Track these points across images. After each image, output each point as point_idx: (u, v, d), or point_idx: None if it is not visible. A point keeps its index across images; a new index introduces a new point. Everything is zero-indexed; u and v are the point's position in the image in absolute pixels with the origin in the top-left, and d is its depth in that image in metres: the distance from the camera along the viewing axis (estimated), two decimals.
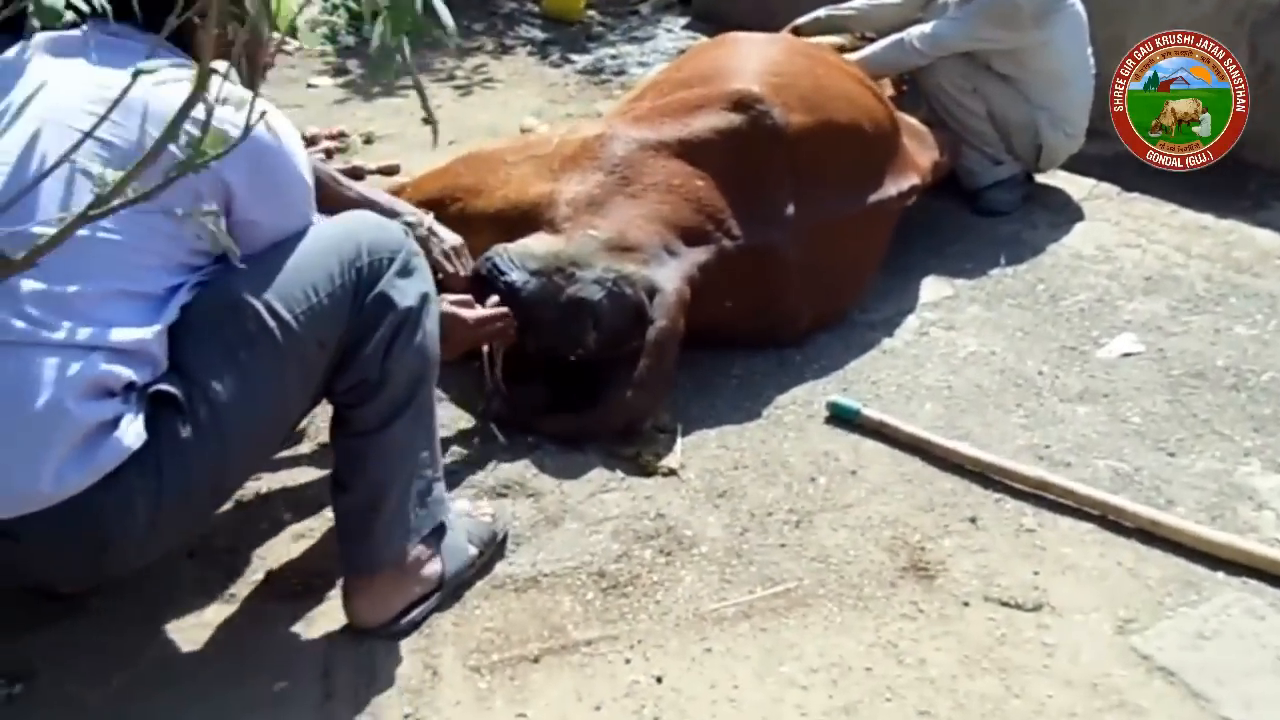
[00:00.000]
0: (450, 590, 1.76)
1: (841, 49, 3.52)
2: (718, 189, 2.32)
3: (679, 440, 2.17)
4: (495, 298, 2.10)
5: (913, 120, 3.07)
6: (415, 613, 1.71)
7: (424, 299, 1.64)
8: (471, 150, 2.70)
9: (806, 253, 2.40)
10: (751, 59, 2.49)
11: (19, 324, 1.31)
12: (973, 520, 1.93)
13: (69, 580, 1.55)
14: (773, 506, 1.98)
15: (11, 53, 1.50)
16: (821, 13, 3.48)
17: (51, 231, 1.22)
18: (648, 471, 2.07)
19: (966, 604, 1.74)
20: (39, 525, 1.32)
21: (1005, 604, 1.74)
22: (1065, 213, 3.27)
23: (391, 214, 2.00)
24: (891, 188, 2.64)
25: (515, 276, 2.10)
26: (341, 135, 4.14)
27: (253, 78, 1.64)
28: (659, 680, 1.59)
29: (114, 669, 1.60)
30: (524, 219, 2.31)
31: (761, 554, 1.86)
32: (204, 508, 1.56)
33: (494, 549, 1.84)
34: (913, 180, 2.74)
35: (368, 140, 4.18)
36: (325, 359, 1.55)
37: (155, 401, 1.39)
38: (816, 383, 2.39)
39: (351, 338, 1.56)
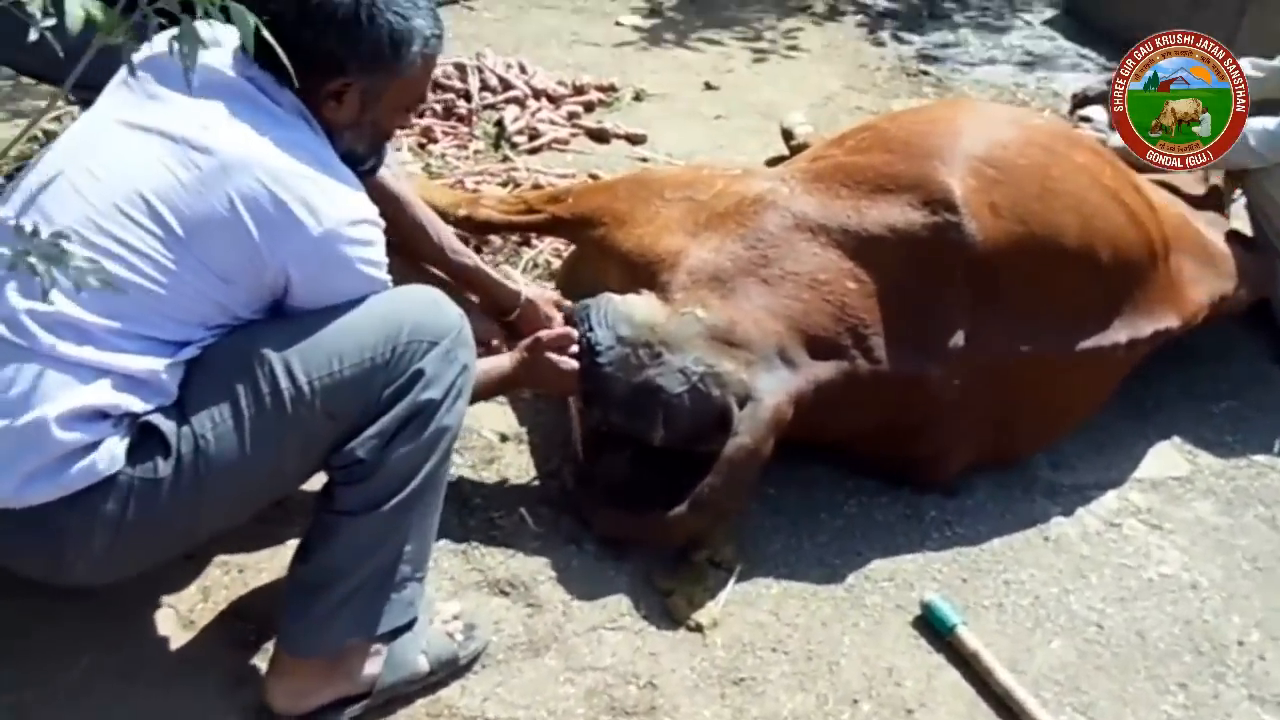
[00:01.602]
0: (381, 700, 1.50)
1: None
2: (872, 298, 1.80)
3: (730, 586, 1.75)
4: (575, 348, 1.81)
5: (1210, 236, 2.29)
6: (331, 716, 1.48)
7: (450, 393, 1.42)
8: (642, 172, 2.34)
9: (971, 392, 1.82)
10: (970, 137, 1.88)
11: (43, 335, 1.23)
12: None
13: (32, 578, 1.46)
14: None
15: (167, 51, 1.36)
16: None
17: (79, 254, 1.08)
18: (674, 619, 1.69)
19: None
20: (4, 523, 1.26)
21: None
22: None
23: (495, 288, 1.95)
24: (1121, 332, 1.96)
25: (600, 336, 1.76)
26: (611, 89, 3.86)
27: (378, 149, 1.53)
28: None
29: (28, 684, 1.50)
30: (646, 270, 1.94)
31: None
32: (170, 546, 1.42)
33: (449, 672, 1.56)
34: (1166, 323, 2.03)
35: (637, 97, 3.88)
36: (333, 432, 1.37)
37: (143, 431, 1.28)
38: (937, 555, 1.85)
39: (366, 415, 1.37)
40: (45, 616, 1.58)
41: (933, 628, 1.69)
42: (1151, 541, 1.93)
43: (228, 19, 1.02)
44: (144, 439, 1.28)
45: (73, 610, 1.59)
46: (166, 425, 1.28)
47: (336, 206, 1.31)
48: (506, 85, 3.58)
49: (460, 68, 3.66)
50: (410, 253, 1.90)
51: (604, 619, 1.67)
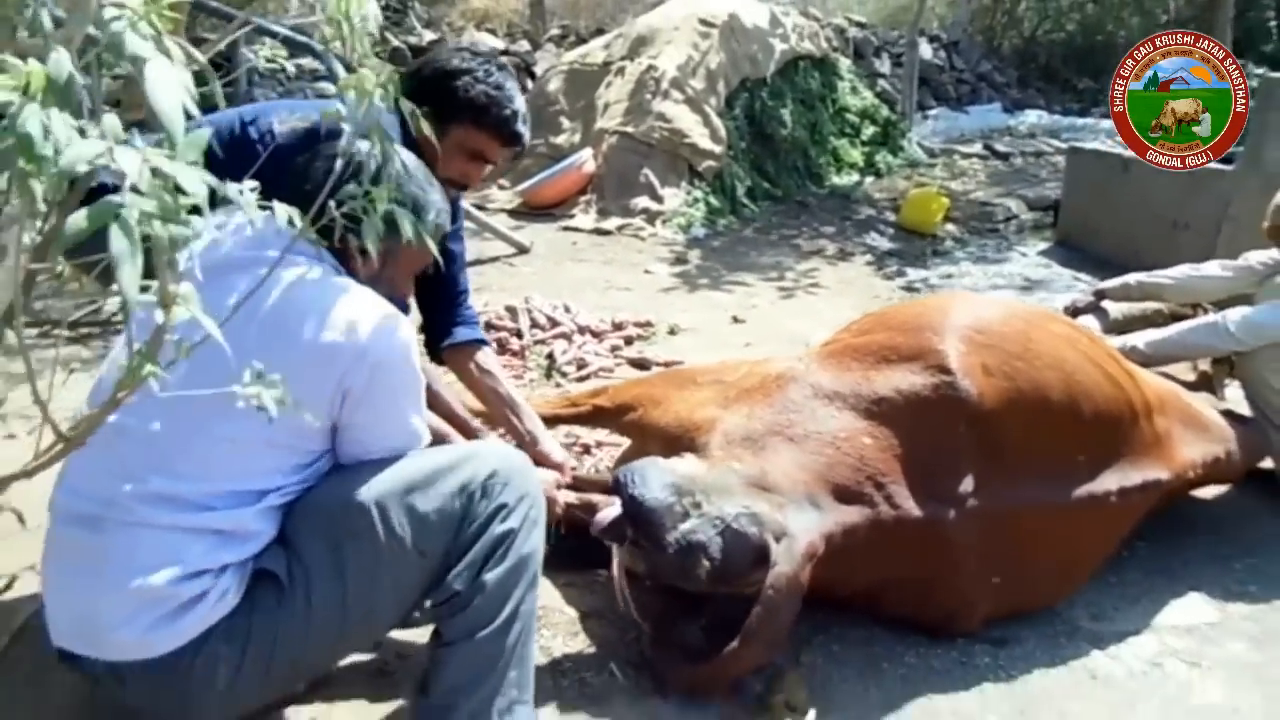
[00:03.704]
0: None
1: (1159, 316, 3.19)
2: (887, 451, 2.10)
3: None
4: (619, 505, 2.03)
5: (1199, 408, 2.64)
6: None
7: (525, 523, 1.70)
8: (674, 368, 2.74)
9: (985, 538, 2.10)
10: (959, 312, 2.26)
11: (141, 508, 1.48)
12: None
13: None
14: None
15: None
16: (1132, 278, 3.15)
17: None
18: None
19: None
20: (135, 672, 1.51)
21: None
22: None
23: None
24: (1111, 480, 2.25)
25: (642, 492, 1.99)
26: (648, 324, 4.36)
27: (392, 294, 1.76)
28: None
29: None
30: (684, 439, 2.25)
31: None
32: (281, 682, 1.65)
33: None
34: (1155, 475, 2.32)
35: (672, 331, 4.37)
36: (424, 569, 1.63)
37: (257, 575, 1.54)
38: (993, 694, 2.05)
39: (452, 553, 1.64)
40: None
41: None
42: (1193, 677, 2.14)
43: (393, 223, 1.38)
44: (258, 582, 1.53)
45: None
46: (278, 568, 1.54)
47: (369, 320, 1.56)
48: (554, 323, 4.09)
49: (511, 309, 4.19)
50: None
51: None
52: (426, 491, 1.62)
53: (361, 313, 1.57)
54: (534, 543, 1.72)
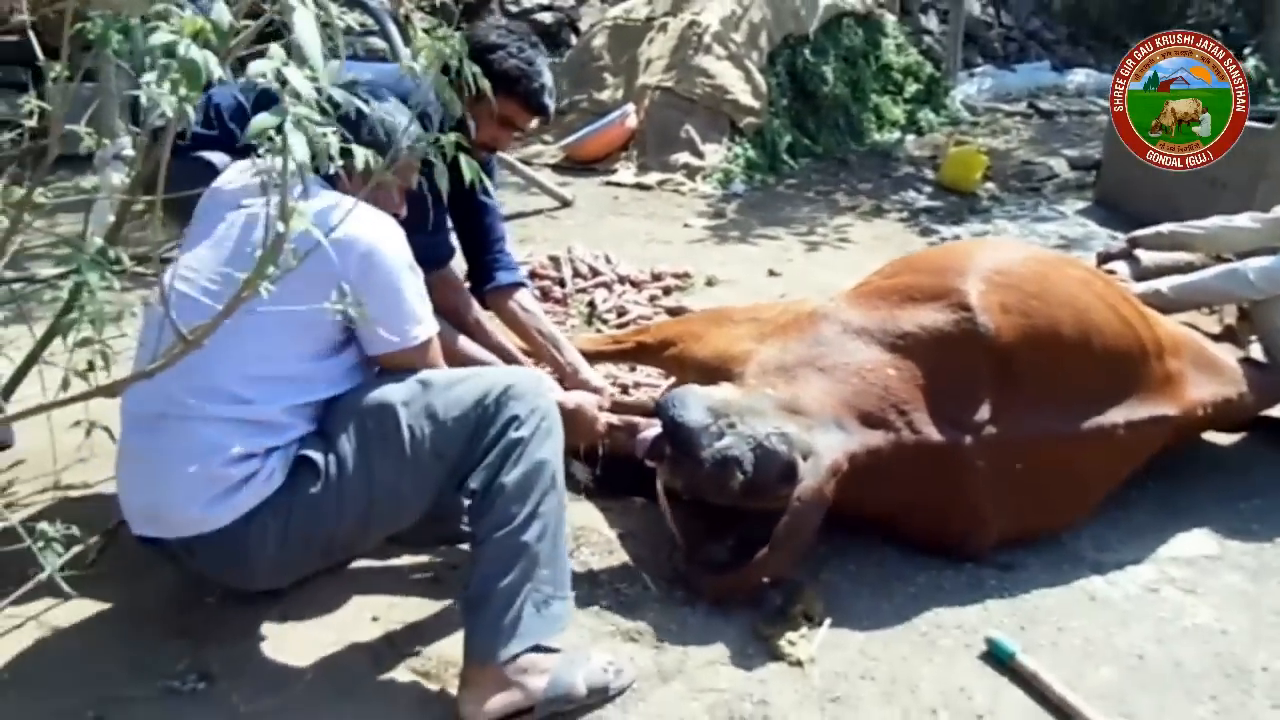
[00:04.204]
0: (545, 713, 1.90)
1: (1190, 267, 3.31)
2: (910, 382, 2.30)
3: (822, 632, 2.17)
4: (658, 425, 2.25)
5: (1214, 352, 2.79)
6: None
7: (538, 431, 1.92)
8: (712, 308, 2.95)
9: (999, 464, 2.30)
10: (981, 256, 2.45)
11: (190, 401, 1.80)
12: None
13: (234, 585, 2.04)
14: None
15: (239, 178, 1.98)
16: (1165, 228, 3.28)
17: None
18: (777, 656, 2.11)
19: None
20: (203, 544, 1.84)
21: None
22: None
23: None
24: (1119, 414, 2.43)
25: (681, 413, 2.20)
26: (685, 275, 4.54)
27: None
28: None
29: (267, 691, 1.97)
30: (721, 370, 2.48)
31: None
32: (320, 555, 1.96)
33: (600, 700, 1.96)
34: (1163, 410, 2.50)
35: (709, 282, 4.55)
36: (441, 469, 1.91)
37: (299, 460, 1.84)
38: (997, 610, 2.25)
39: (468, 457, 1.90)
40: (268, 655, 2.06)
41: (997, 659, 2.09)
42: (1186, 602, 2.32)
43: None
44: (299, 468, 1.83)
45: (287, 646, 2.07)
46: (317, 455, 1.83)
47: (360, 220, 1.78)
48: (595, 272, 4.28)
49: (554, 259, 4.39)
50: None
51: (718, 656, 2.10)
52: (447, 402, 1.89)
53: (355, 215, 1.78)
54: (548, 450, 1.94)
